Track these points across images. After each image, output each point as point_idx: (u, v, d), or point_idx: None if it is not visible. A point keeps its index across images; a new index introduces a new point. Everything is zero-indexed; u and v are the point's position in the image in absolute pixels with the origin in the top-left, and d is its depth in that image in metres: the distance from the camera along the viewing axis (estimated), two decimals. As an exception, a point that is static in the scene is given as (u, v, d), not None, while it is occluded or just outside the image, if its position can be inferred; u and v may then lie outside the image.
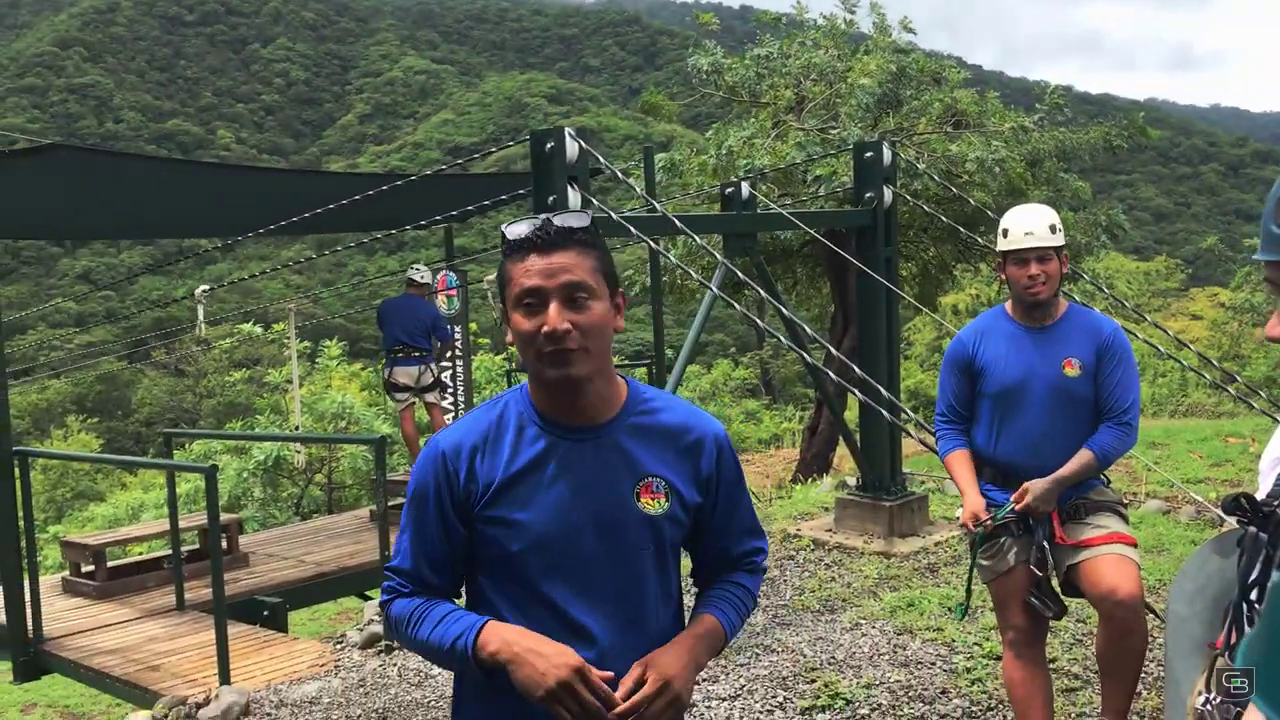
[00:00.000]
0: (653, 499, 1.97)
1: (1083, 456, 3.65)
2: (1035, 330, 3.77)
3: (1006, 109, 11.18)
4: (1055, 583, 3.80)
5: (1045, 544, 3.67)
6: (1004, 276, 3.81)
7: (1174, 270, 30.52)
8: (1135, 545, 3.74)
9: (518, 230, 1.92)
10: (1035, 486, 3.62)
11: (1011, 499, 3.67)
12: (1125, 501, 3.87)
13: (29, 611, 6.78)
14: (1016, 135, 10.44)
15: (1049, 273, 3.68)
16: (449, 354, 11.62)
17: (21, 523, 6.81)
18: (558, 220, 1.91)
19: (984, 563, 3.81)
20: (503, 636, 1.86)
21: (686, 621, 2.09)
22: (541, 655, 1.82)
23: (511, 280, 1.92)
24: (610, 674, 1.86)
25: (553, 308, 1.87)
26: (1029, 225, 3.70)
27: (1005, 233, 3.74)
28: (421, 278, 10.35)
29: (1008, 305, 3.88)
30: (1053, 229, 3.70)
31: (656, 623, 2.00)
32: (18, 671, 7.00)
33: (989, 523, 3.66)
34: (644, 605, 1.98)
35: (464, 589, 2.08)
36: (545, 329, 1.86)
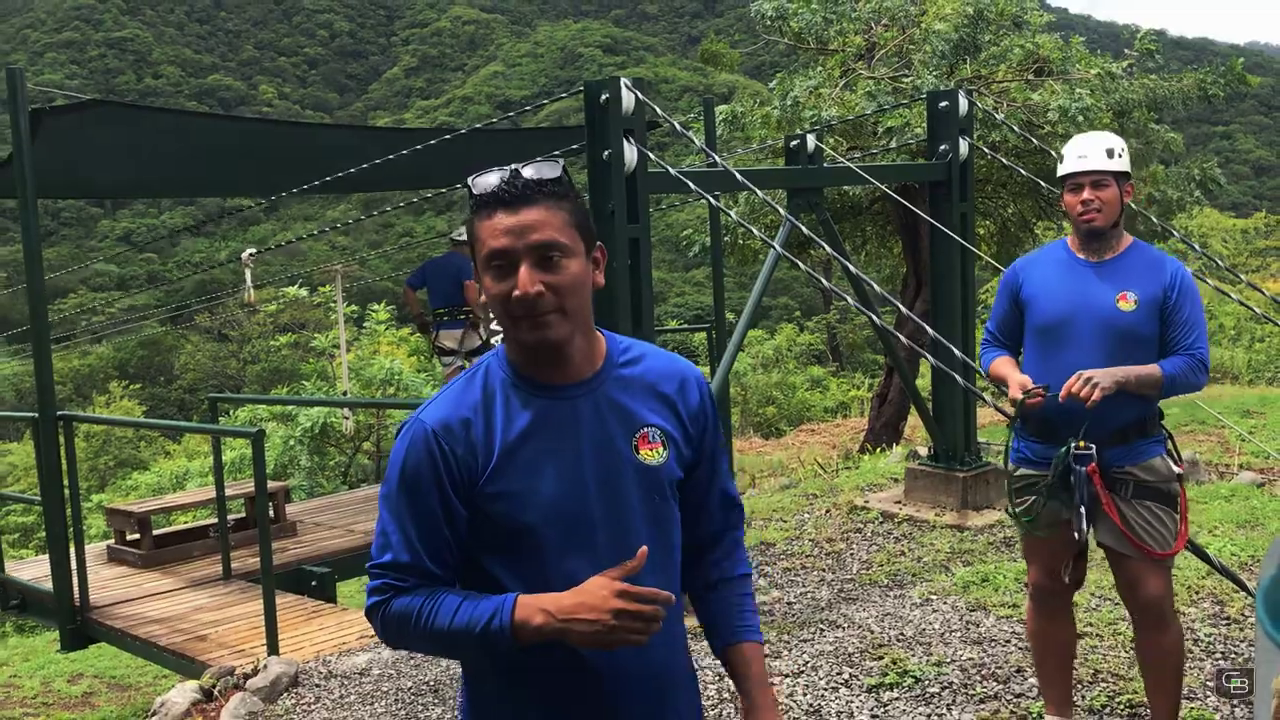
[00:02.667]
0: (651, 449, 1.98)
1: (1151, 368, 3.53)
2: (1092, 263, 3.71)
3: (1093, 55, 10.98)
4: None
5: (1084, 508, 3.59)
6: (1064, 206, 3.77)
7: (1274, 227, 29.84)
8: (1172, 558, 3.71)
9: (484, 183, 1.88)
10: (1095, 373, 3.46)
11: (1066, 386, 3.48)
12: (1181, 474, 3.74)
13: (75, 579, 6.97)
14: (1103, 83, 10.25)
15: (1103, 199, 3.63)
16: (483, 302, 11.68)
17: (66, 489, 6.99)
18: (526, 172, 1.87)
19: (1021, 517, 3.84)
20: (540, 607, 1.82)
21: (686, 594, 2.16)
22: (584, 604, 1.80)
23: (479, 240, 1.88)
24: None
25: (523, 270, 1.84)
26: (1083, 149, 3.68)
27: (1061, 158, 3.74)
28: (460, 236, 10.50)
29: (1069, 237, 3.83)
30: (1110, 153, 3.65)
31: (659, 576, 2.00)
32: (65, 640, 7.21)
33: (1038, 395, 3.57)
34: (649, 560, 1.95)
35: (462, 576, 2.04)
36: (516, 293, 1.84)
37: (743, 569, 2.20)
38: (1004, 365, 3.84)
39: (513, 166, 1.88)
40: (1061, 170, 3.73)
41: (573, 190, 1.92)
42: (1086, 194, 3.64)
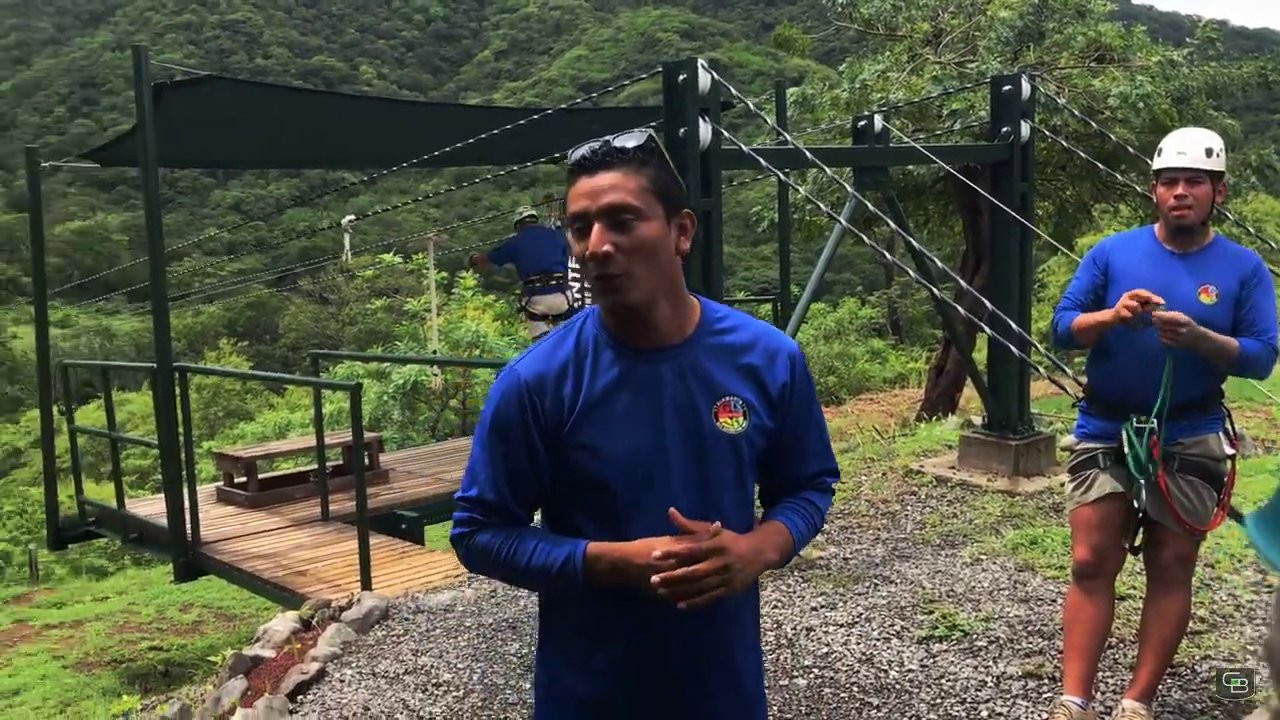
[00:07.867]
0: (731, 418, 1.93)
1: (1228, 340, 3.42)
2: (1177, 255, 3.59)
3: (1154, 43, 10.69)
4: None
5: (1143, 480, 3.53)
6: (1154, 197, 3.65)
7: (1329, 214, 28.84)
8: (1206, 533, 3.70)
9: (574, 152, 1.88)
10: (1185, 322, 3.35)
11: (1153, 303, 3.37)
12: (1233, 454, 3.65)
13: (187, 517, 7.17)
14: (1164, 70, 9.98)
15: (1197, 196, 3.50)
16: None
17: (181, 435, 7.17)
18: (613, 141, 1.86)
19: (1073, 493, 3.76)
20: (610, 545, 1.87)
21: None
22: (638, 551, 1.84)
23: (568, 204, 1.89)
24: (714, 524, 1.85)
25: (595, 230, 1.83)
26: (1182, 145, 3.54)
27: (1159, 151, 3.60)
28: (524, 211, 10.76)
29: (1157, 226, 3.70)
30: (1209, 152, 3.51)
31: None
32: (178, 571, 7.43)
33: (1155, 306, 3.38)
34: (722, 524, 1.93)
35: (544, 515, 2.07)
36: (588, 252, 1.83)
37: (809, 496, 2.12)
38: (1088, 315, 3.65)
39: (605, 138, 1.87)
40: (1158, 164, 3.58)
41: (657, 158, 1.89)
42: (1181, 189, 3.51)
